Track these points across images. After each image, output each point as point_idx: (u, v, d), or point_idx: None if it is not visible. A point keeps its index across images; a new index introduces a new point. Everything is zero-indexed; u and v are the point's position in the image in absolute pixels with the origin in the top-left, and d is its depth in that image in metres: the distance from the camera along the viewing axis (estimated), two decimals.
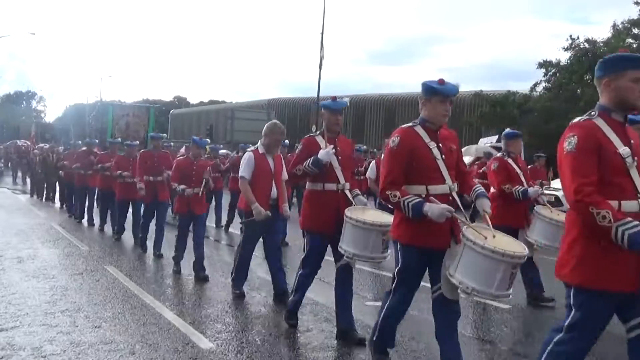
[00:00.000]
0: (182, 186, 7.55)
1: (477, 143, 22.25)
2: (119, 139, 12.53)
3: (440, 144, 3.98)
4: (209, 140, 7.63)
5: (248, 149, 6.54)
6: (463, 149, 21.28)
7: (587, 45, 25.13)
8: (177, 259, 7.94)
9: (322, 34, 28.29)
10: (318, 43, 28.57)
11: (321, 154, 4.93)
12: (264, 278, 7.12)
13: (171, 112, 62.85)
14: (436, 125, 4.03)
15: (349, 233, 4.58)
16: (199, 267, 7.53)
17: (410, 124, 4.08)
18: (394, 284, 4.10)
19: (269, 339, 5.17)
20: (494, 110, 29.22)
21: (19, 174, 27.34)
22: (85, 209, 13.14)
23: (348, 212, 4.61)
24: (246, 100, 53.15)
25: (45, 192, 18.34)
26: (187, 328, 5.34)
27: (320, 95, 32.02)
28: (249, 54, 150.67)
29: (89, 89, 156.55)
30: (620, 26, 25.06)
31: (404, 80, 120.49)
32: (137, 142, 13.20)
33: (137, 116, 30.38)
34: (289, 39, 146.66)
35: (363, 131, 40.56)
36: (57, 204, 16.78)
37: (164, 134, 10.97)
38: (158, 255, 8.95)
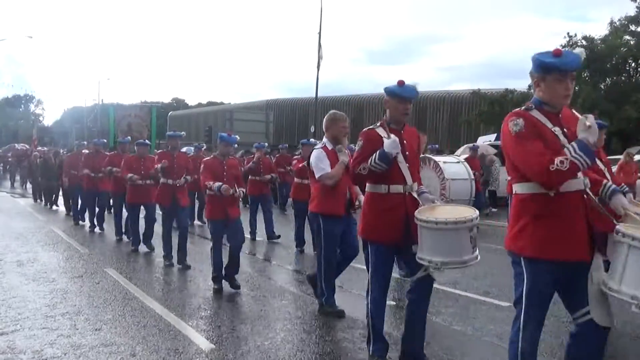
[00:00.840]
0: (218, 183, 6.65)
1: (475, 142, 22.24)
2: (129, 138, 11.57)
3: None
4: (238, 137, 7.01)
5: (317, 147, 5.86)
6: (460, 148, 21.33)
7: (584, 42, 25.17)
8: (217, 279, 6.86)
9: (320, 34, 28.34)
10: (316, 43, 28.58)
11: (387, 145, 4.21)
12: (264, 278, 7.11)
13: (170, 114, 62.82)
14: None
15: (429, 239, 3.96)
16: (232, 273, 6.91)
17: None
18: (517, 316, 3.23)
19: (270, 340, 5.16)
20: (492, 109, 29.25)
21: (17, 177, 27.15)
22: (96, 215, 12.18)
23: (418, 214, 4.02)
24: (245, 102, 53.19)
25: (46, 197, 17.70)
26: (187, 329, 5.34)
27: (318, 95, 32.07)
28: (247, 55, 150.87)
29: (87, 91, 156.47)
30: (617, 23, 25.12)
31: (404, 79, 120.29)
32: (148, 141, 12.43)
33: (139, 117, 29.96)
34: (287, 40, 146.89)
35: (361, 131, 40.51)
36: (61, 208, 16.29)
37: (183, 132, 10.02)
38: (186, 267, 8.10)
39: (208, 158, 7.37)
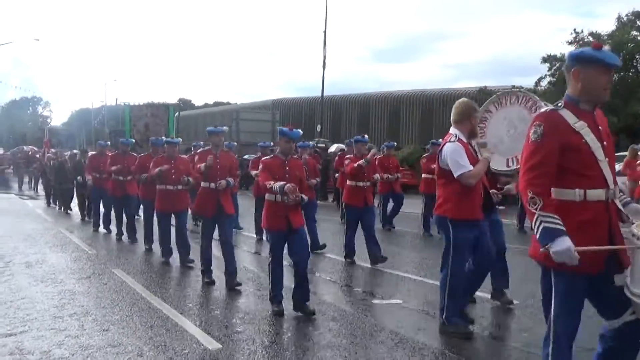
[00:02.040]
0: (281, 183, 5.55)
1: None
2: (163, 138, 10.30)
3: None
4: (300, 131, 6.18)
5: (451, 140, 5.09)
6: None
7: (591, 38, 25.02)
8: (275, 299, 5.94)
9: (325, 33, 28.33)
10: (321, 42, 28.60)
11: (580, 128, 3.08)
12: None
13: (177, 114, 62.90)
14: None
15: None
16: (303, 298, 5.90)
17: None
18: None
19: (276, 339, 5.17)
20: None
21: (25, 179, 27.16)
22: (124, 224, 11.13)
23: (638, 230, 2.98)
24: (251, 101, 53.19)
25: (60, 201, 17.09)
26: (194, 329, 5.35)
27: (324, 94, 32.07)
28: (253, 54, 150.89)
29: (94, 93, 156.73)
30: (624, 18, 24.97)
31: (409, 77, 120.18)
32: (180, 139, 11.13)
33: (155, 116, 28.95)
34: (293, 39, 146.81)
35: (368, 129, 40.47)
36: (71, 211, 15.98)
37: (225, 127, 8.22)
38: (235, 285, 6.94)
39: (267, 157, 6.34)
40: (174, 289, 7.14)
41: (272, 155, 6.40)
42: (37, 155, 27.82)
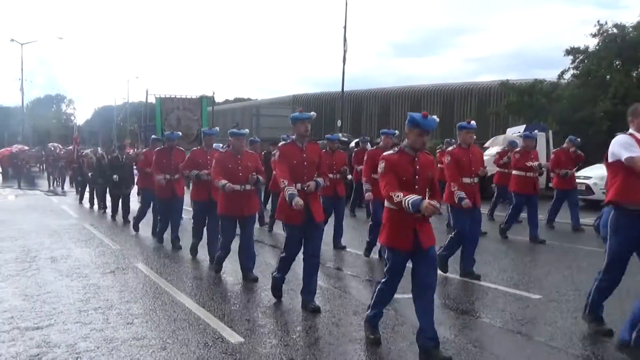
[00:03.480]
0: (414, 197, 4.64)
1: (504, 133, 21.97)
2: (216, 129, 9.01)
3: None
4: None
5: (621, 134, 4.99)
6: (490, 140, 21.09)
7: (615, 30, 24.60)
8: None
9: (345, 28, 28.23)
10: (341, 37, 28.52)
11: None
12: (291, 271, 7.12)
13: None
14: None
15: None
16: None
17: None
18: None
19: (298, 333, 5.19)
20: (521, 100, 28.85)
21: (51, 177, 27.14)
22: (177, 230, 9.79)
23: None
24: (271, 97, 53.34)
25: (95, 201, 16.25)
26: (217, 323, 5.39)
27: (344, 89, 32.02)
28: (274, 51, 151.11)
29: (116, 90, 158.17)
30: None
31: (430, 72, 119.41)
32: (247, 130, 8.17)
33: (188, 109, 27.54)
34: (313, 35, 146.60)
35: (388, 124, 40.38)
36: (107, 214, 14.35)
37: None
38: (312, 310, 5.80)
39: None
40: (196, 284, 7.18)
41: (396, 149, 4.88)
42: (61, 152, 27.80)
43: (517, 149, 11.24)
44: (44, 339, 4.94)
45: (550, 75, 29.76)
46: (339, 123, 32.34)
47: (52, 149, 28.93)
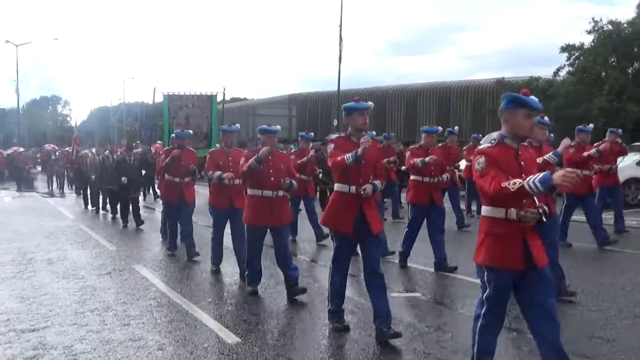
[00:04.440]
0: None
1: (499, 130, 21.97)
2: (237, 126, 8.15)
3: None
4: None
5: None
6: (485, 137, 21.10)
7: (610, 27, 24.66)
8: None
9: (341, 27, 28.24)
10: (337, 36, 28.51)
11: None
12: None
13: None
14: None
15: None
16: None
17: None
18: None
19: (294, 332, 5.20)
20: None
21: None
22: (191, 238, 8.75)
23: None
24: (268, 97, 53.28)
25: (100, 203, 15.35)
26: (213, 324, 5.39)
27: (341, 88, 32.02)
28: (269, 50, 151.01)
29: (112, 91, 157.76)
30: None
31: (426, 70, 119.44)
32: (279, 126, 7.01)
33: (198, 107, 25.60)
34: (309, 35, 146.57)
35: (385, 123, 40.40)
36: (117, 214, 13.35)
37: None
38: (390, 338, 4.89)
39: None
40: (193, 285, 7.18)
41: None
42: (57, 153, 27.45)
43: (572, 144, 9.52)
44: (41, 341, 4.94)
45: (546, 72, 29.76)
46: (335, 122, 32.34)
47: (49, 150, 28.64)
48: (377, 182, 4.99)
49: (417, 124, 38.93)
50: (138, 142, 22.36)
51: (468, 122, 37.61)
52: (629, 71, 24.58)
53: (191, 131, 9.79)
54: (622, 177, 10.23)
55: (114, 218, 13.81)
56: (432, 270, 7.59)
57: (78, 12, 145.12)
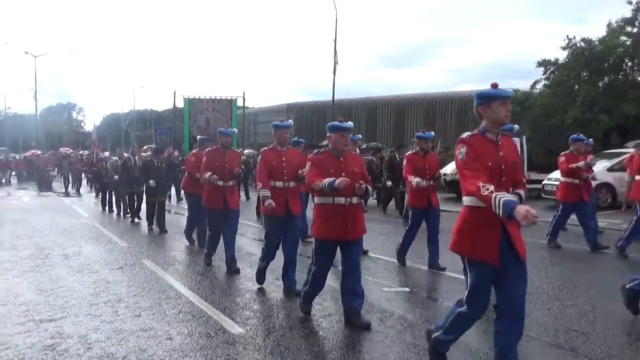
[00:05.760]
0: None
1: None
2: (234, 130, 8.11)
3: None
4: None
5: None
6: None
7: (583, 44, 24.76)
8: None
9: (335, 41, 28.23)
10: (332, 50, 28.49)
11: None
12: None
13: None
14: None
15: None
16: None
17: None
18: None
19: (294, 324, 5.17)
20: None
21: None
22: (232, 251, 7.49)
23: None
24: (268, 105, 53.14)
25: (122, 207, 14.20)
26: (218, 315, 5.36)
27: (335, 98, 32.04)
28: (269, 62, 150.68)
29: (123, 99, 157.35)
30: (614, 25, 24.67)
31: (414, 82, 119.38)
32: (351, 123, 5.41)
33: (218, 111, 25.22)
34: (307, 48, 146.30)
35: (375, 130, 40.46)
36: (139, 220, 12.42)
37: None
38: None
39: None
40: (199, 279, 7.14)
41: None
42: (70, 154, 27.10)
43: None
44: (58, 330, 4.91)
45: (523, 85, 29.79)
46: None
47: (66, 153, 28.39)
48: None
49: (405, 131, 39.05)
50: (146, 147, 21.94)
51: (452, 131, 37.71)
52: (600, 85, 24.67)
53: (235, 129, 8.82)
54: (593, 182, 10.11)
55: (132, 222, 12.96)
56: (425, 268, 7.58)
57: (92, 26, 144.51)
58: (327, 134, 4.99)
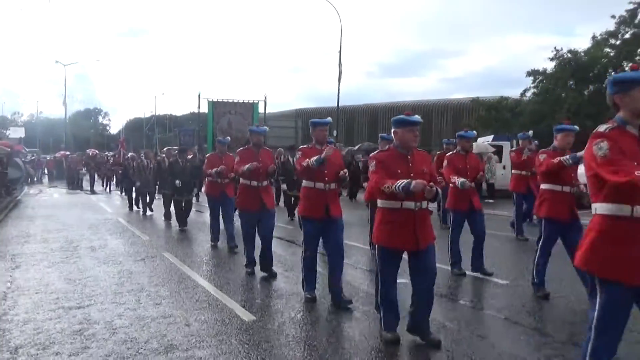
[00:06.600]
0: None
1: (475, 142, 21.98)
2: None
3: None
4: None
5: None
6: (478, 140, 21.11)
7: (569, 55, 24.69)
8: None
9: (340, 52, 28.25)
10: (337, 59, 28.52)
11: None
12: (296, 259, 7.08)
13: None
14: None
15: None
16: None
17: None
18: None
19: (302, 313, 5.16)
20: (489, 114, 28.90)
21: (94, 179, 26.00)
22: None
23: None
24: (278, 111, 53.18)
25: (149, 205, 13.86)
26: (232, 304, 5.36)
27: (339, 104, 32.03)
28: (279, 70, 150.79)
29: (145, 104, 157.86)
30: (599, 37, 24.57)
31: (412, 89, 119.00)
32: (418, 116, 4.53)
33: (240, 113, 24.46)
34: (315, 57, 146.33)
35: (376, 134, 40.38)
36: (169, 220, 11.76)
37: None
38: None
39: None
40: (215, 270, 7.15)
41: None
42: (96, 155, 26.99)
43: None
44: (85, 317, 4.93)
45: (514, 93, 29.73)
46: (335, 133, 32.31)
47: (93, 154, 28.41)
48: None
49: None
50: (166, 148, 21.87)
51: (447, 135, 37.58)
52: (585, 93, 24.58)
53: (267, 128, 7.42)
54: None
55: (167, 222, 12.04)
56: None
57: (116, 37, 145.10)
58: (392, 130, 4.21)
